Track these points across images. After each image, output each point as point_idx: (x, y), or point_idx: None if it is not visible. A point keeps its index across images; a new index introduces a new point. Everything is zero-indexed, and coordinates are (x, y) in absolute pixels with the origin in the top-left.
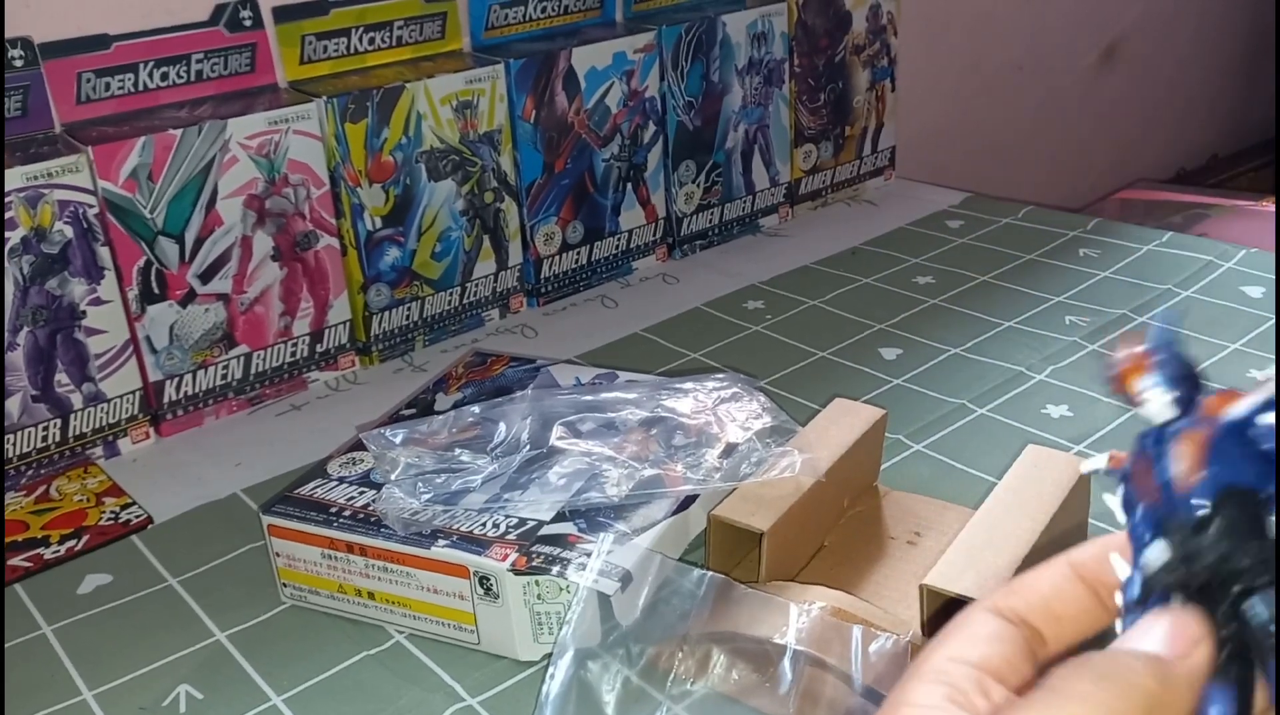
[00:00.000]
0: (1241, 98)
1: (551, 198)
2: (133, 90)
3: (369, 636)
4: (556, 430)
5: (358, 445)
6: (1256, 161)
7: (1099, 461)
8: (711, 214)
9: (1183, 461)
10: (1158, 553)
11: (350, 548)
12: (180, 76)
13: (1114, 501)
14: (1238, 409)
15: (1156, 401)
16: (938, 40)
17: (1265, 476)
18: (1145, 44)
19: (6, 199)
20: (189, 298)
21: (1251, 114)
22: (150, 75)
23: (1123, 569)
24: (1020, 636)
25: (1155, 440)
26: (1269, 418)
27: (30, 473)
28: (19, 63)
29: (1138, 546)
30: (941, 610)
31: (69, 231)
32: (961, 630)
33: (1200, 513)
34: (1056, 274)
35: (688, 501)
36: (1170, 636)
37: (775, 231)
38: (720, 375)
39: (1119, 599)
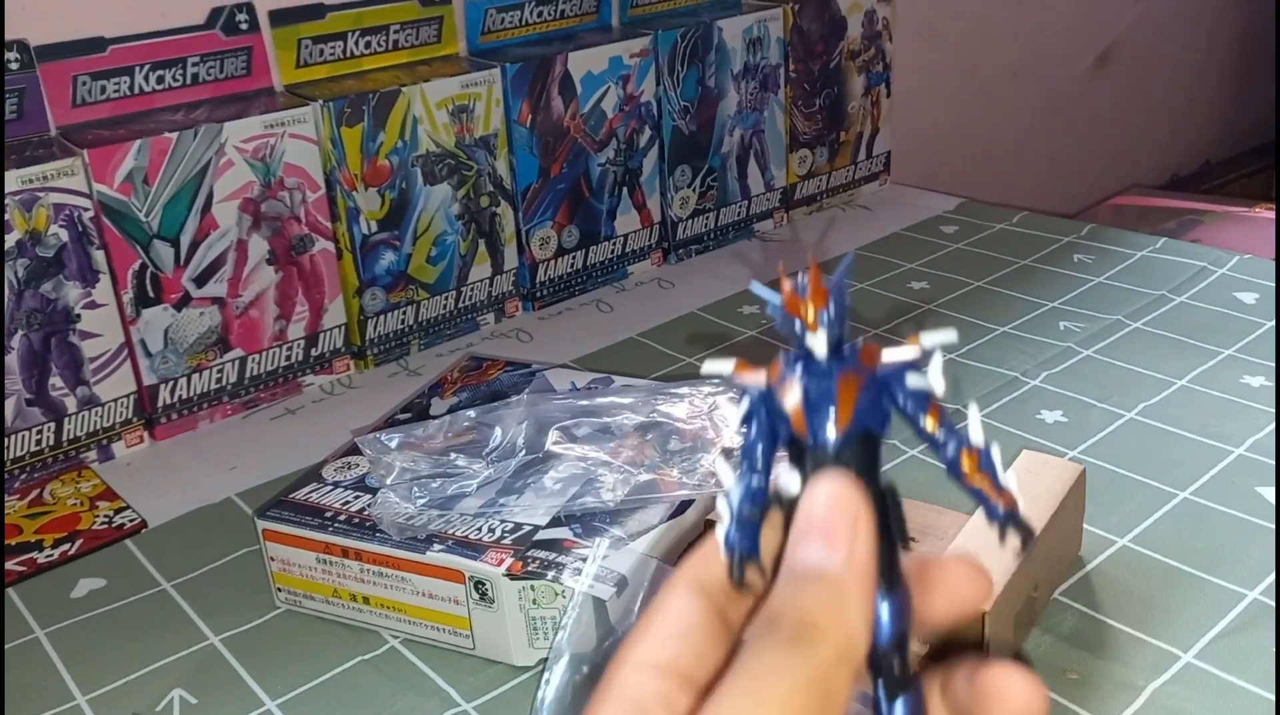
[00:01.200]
0: (1235, 103)
1: (547, 202)
2: (128, 93)
3: (364, 641)
4: (552, 435)
5: (353, 449)
6: (1250, 167)
7: (722, 367)
8: (707, 219)
9: (840, 405)
10: (794, 479)
11: (345, 552)
12: (176, 80)
13: (731, 408)
14: (891, 363)
15: (822, 337)
16: (933, 46)
17: (885, 424)
18: (1140, 50)
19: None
20: (184, 301)
21: (1245, 120)
22: (146, 78)
23: (728, 476)
24: (711, 610)
25: (807, 373)
26: (914, 378)
27: (24, 476)
28: (14, 65)
29: (755, 459)
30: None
31: (64, 235)
32: (657, 617)
33: (836, 449)
34: (1051, 279)
35: (683, 506)
36: (831, 526)
37: (770, 236)
38: (716, 380)
39: (723, 507)
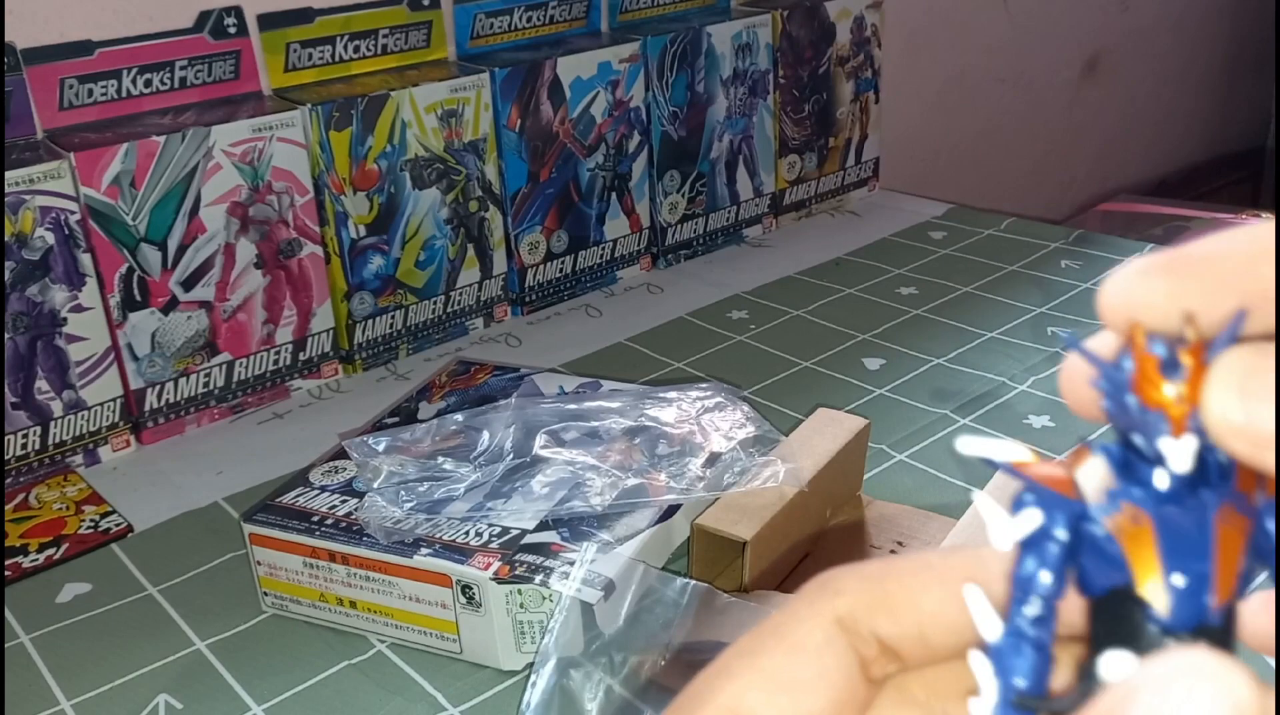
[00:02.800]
0: (1222, 110)
1: (536, 207)
2: (116, 97)
3: (350, 646)
4: (540, 439)
5: (340, 453)
6: (1237, 174)
7: (1003, 452)
8: (696, 224)
9: (1223, 563)
10: (1129, 666)
11: (332, 556)
12: (164, 83)
13: (997, 514)
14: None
15: (1190, 447)
16: (921, 52)
17: (1248, 584)
18: (1127, 57)
19: None
20: (171, 305)
21: (1232, 126)
22: (134, 82)
23: (991, 624)
24: (855, 666)
25: (1157, 499)
26: None
27: (10, 480)
28: None
29: (1034, 607)
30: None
31: (50, 238)
32: (779, 651)
33: (1212, 631)
34: (1038, 285)
35: (671, 511)
36: None
37: (759, 242)
38: (704, 385)
39: (985, 675)
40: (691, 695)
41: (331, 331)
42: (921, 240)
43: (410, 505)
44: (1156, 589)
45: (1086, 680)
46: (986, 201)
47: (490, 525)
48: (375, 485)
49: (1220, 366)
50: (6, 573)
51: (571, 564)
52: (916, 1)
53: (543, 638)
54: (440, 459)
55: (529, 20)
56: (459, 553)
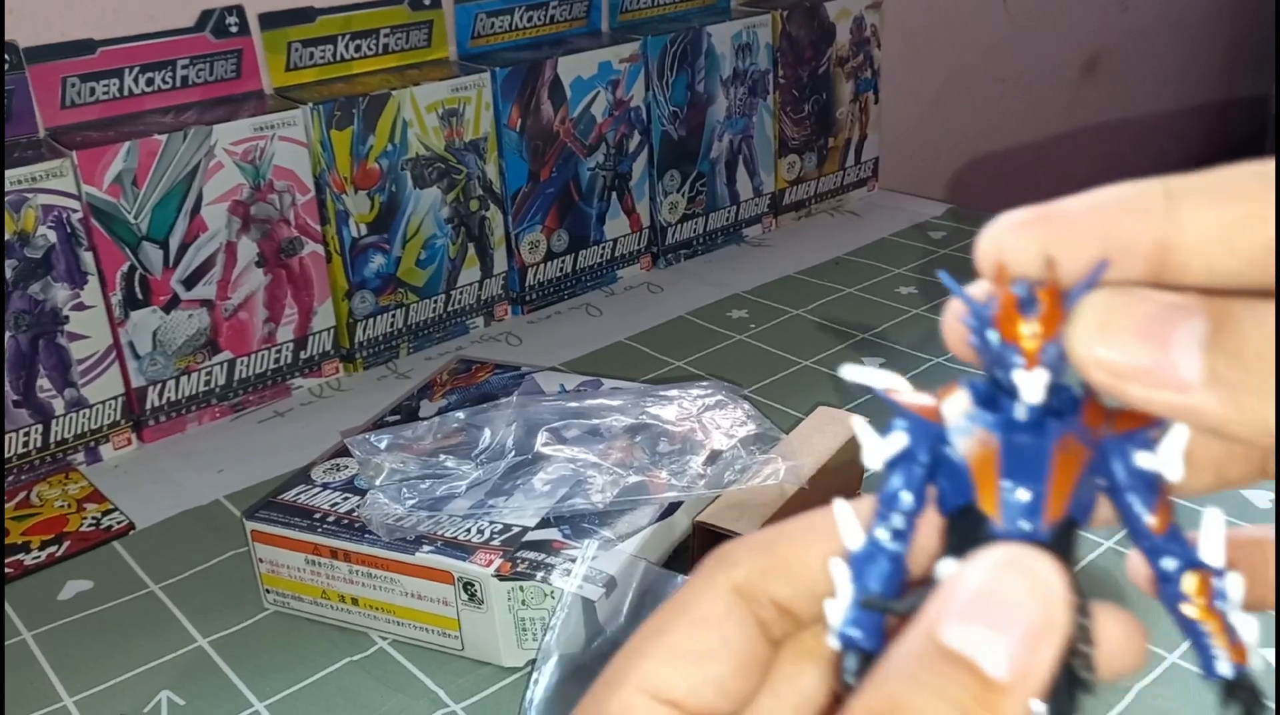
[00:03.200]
0: (1222, 110)
1: (537, 206)
2: (118, 95)
3: (352, 642)
4: (541, 436)
5: (342, 451)
6: None
7: (877, 379)
8: (696, 223)
9: (1055, 486)
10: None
11: (334, 553)
12: (165, 82)
13: (870, 436)
14: (1121, 429)
15: (1040, 379)
16: (921, 52)
17: (1089, 511)
18: (1127, 57)
19: None
20: (172, 303)
21: (1231, 126)
22: (135, 81)
23: (853, 531)
24: (756, 630)
25: (1008, 426)
26: (1145, 457)
27: (11, 478)
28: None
29: (895, 518)
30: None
31: (52, 236)
32: (682, 623)
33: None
34: None
35: (672, 508)
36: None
37: (759, 241)
38: (704, 383)
39: (841, 578)
40: (608, 678)
41: (332, 330)
42: (921, 240)
43: (412, 502)
44: (993, 504)
45: (929, 585)
46: (985, 201)
47: (492, 522)
48: (377, 482)
49: (1086, 304)
50: (8, 570)
51: (573, 561)
52: (916, 1)
53: (544, 635)
54: (442, 456)
55: (529, 20)
56: (461, 550)
